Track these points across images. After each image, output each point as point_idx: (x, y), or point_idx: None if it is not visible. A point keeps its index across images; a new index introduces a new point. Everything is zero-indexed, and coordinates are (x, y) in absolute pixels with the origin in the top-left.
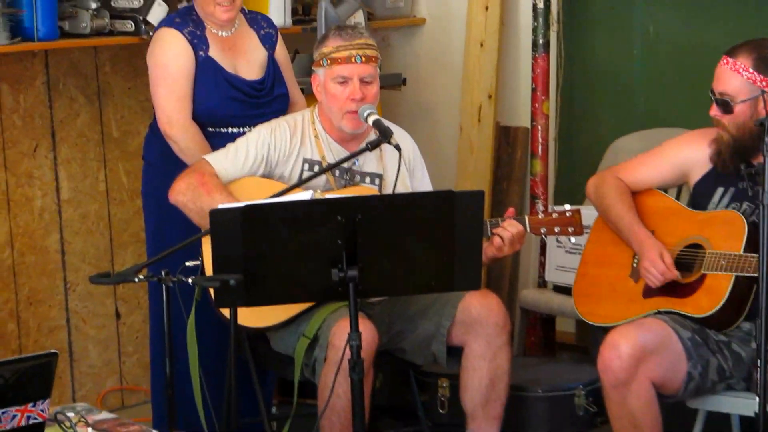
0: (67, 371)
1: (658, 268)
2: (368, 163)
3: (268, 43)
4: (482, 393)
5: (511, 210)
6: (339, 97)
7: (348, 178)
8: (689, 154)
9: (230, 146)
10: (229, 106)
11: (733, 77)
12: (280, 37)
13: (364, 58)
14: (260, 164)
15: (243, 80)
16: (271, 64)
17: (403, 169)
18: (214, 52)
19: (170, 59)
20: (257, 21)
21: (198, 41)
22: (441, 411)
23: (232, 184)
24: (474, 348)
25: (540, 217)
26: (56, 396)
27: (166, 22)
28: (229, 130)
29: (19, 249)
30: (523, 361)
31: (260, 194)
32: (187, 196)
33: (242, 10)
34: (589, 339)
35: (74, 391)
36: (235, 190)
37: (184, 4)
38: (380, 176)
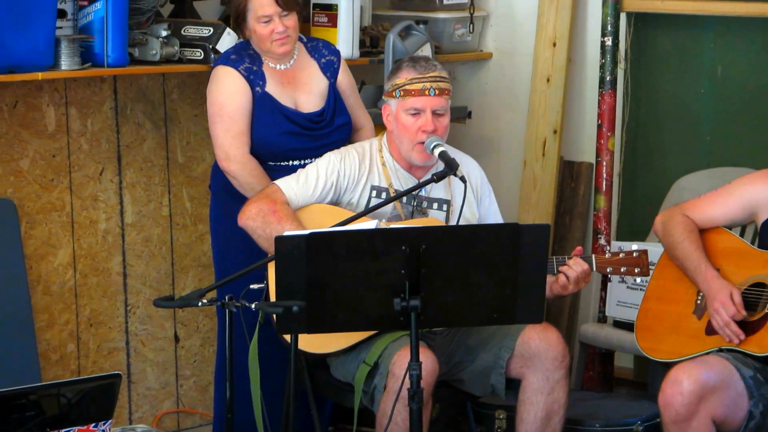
0: (125, 393)
1: (729, 310)
2: (436, 189)
3: (330, 71)
4: (538, 426)
5: (578, 248)
6: (410, 128)
7: (415, 204)
8: (758, 193)
9: (301, 172)
10: (288, 140)
11: None
12: (343, 62)
13: (437, 91)
14: (329, 191)
15: (301, 114)
16: (332, 94)
17: (470, 196)
18: (271, 87)
19: (226, 98)
20: (318, 49)
21: (254, 77)
22: None
23: (300, 212)
24: (532, 381)
25: (607, 256)
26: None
27: (222, 60)
28: (290, 163)
29: (81, 271)
30: (581, 395)
31: (329, 222)
32: (257, 222)
33: (301, 39)
34: (647, 374)
35: (131, 412)
36: (303, 218)
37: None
38: (448, 202)
